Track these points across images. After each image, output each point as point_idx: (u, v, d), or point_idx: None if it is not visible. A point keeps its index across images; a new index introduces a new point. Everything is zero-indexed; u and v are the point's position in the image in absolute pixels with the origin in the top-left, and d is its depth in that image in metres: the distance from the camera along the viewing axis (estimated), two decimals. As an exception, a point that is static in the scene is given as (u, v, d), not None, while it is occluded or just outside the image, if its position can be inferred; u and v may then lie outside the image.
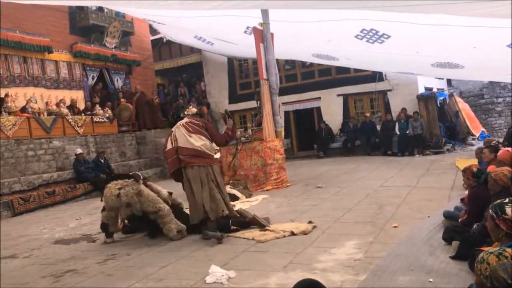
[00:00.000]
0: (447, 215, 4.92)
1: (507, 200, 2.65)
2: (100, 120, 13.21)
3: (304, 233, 5.14)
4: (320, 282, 2.04)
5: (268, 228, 5.40)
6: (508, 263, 1.92)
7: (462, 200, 5.40)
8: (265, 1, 5.65)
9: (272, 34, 9.47)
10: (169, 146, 5.50)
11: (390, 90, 14.74)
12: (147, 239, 5.67)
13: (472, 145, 14.06)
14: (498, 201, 2.70)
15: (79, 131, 12.45)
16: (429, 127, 13.86)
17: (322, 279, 3.37)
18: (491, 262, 1.95)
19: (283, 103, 14.08)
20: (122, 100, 14.77)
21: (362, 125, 14.55)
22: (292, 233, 5.14)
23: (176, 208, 5.95)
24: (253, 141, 9.29)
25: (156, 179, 13.53)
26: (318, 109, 15.83)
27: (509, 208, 2.56)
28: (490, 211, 2.64)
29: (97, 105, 13.81)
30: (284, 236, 5.09)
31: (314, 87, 15.75)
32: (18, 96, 11.98)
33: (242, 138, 9.42)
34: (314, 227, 5.35)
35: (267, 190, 8.81)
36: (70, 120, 12.26)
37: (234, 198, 7.87)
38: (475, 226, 3.96)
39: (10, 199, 9.31)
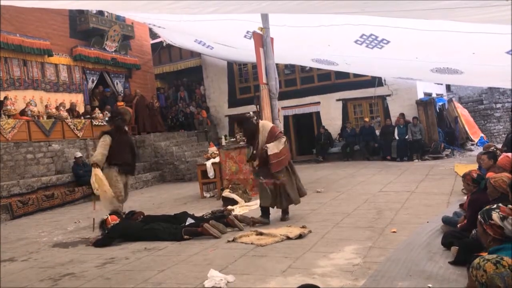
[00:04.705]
0: (446, 221, 4.92)
1: (495, 206, 2.69)
2: (100, 123, 13.21)
3: (300, 236, 5.14)
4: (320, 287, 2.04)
5: (217, 236, 5.55)
6: (506, 272, 1.90)
7: (461, 205, 5.41)
8: (264, 6, 5.65)
9: (272, 39, 9.48)
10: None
11: (389, 95, 14.78)
12: (146, 243, 5.65)
13: (471, 150, 14.08)
14: (487, 207, 2.74)
15: (78, 135, 12.46)
16: (428, 132, 13.89)
17: (321, 284, 3.37)
18: (488, 269, 1.92)
19: (283, 108, 14.09)
20: (121, 103, 14.77)
21: (361, 130, 14.57)
22: (288, 238, 5.14)
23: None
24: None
25: (155, 182, 13.54)
26: (318, 113, 15.87)
27: (496, 214, 2.60)
28: (479, 217, 2.69)
29: (96, 109, 13.83)
30: (282, 240, 5.09)
31: (314, 91, 15.79)
32: (18, 99, 11.99)
33: (241, 142, 9.41)
34: (309, 231, 5.35)
35: (266, 194, 8.78)
36: (69, 123, 12.27)
37: (233, 202, 7.88)
38: (474, 231, 3.95)
39: (9, 202, 9.30)
